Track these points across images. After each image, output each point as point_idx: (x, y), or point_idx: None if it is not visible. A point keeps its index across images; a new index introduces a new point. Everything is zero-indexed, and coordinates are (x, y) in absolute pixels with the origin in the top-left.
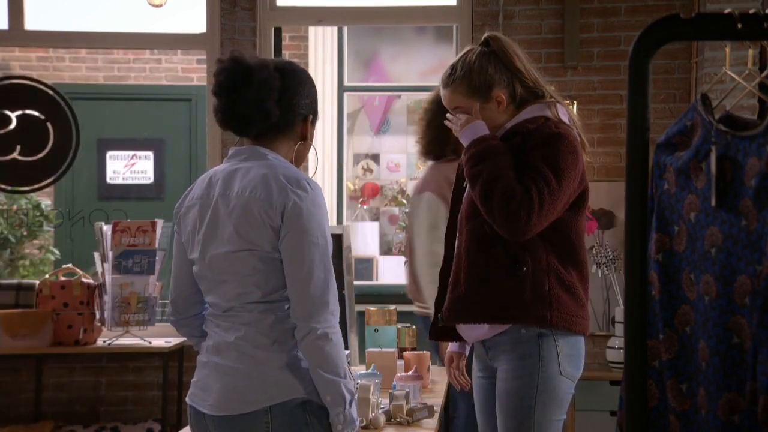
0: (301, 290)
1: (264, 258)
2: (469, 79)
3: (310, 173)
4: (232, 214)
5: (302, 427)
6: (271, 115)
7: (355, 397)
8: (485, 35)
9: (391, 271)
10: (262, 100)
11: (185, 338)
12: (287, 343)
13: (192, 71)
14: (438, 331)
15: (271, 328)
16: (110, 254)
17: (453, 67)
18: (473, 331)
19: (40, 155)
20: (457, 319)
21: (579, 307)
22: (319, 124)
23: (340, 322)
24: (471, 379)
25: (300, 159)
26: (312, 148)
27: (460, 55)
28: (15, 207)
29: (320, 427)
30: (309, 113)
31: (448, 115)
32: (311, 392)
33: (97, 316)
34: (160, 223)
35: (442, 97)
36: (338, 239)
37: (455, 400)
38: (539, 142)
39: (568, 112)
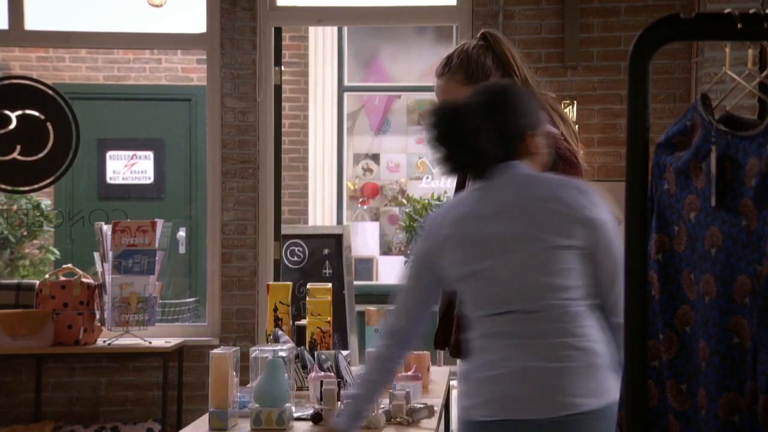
0: None
1: None
2: (467, 66)
3: (310, 173)
4: None
5: None
6: (489, 155)
7: None
8: (482, 31)
9: (391, 271)
10: (475, 147)
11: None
12: None
13: (192, 71)
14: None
15: None
16: (110, 254)
17: (449, 57)
18: None
19: (40, 155)
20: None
21: None
22: (319, 124)
23: (339, 322)
24: None
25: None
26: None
27: (455, 47)
28: (15, 207)
29: None
30: (528, 131)
31: None
32: None
33: (97, 316)
34: (160, 223)
35: (435, 89)
36: (338, 239)
37: None
38: None
39: (549, 115)
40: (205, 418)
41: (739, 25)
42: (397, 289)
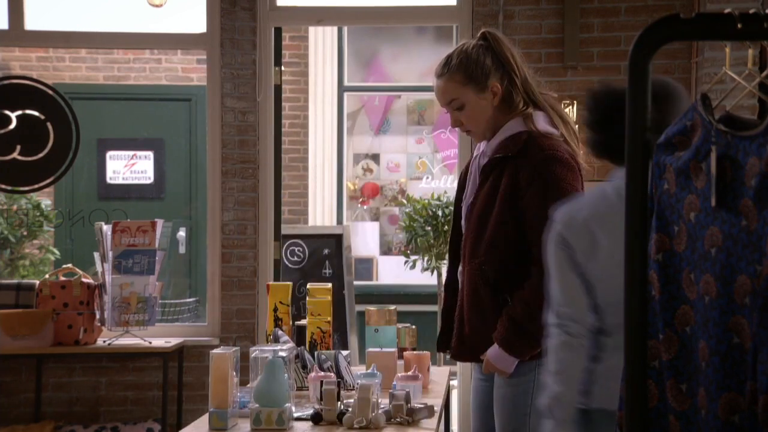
0: None
1: None
2: (466, 66)
3: (310, 173)
4: None
5: None
6: None
7: None
8: (482, 30)
9: (391, 271)
10: None
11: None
12: None
13: (192, 71)
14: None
15: None
16: (110, 254)
17: (449, 57)
18: None
19: (40, 155)
20: (463, 358)
21: None
22: (319, 124)
23: (339, 322)
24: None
25: None
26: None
27: (455, 47)
28: (15, 207)
29: None
30: None
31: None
32: None
33: (97, 316)
34: (160, 223)
35: (435, 90)
36: (338, 239)
37: None
38: (532, 173)
39: (549, 115)
40: (205, 418)
41: (739, 25)
42: (547, 280)
